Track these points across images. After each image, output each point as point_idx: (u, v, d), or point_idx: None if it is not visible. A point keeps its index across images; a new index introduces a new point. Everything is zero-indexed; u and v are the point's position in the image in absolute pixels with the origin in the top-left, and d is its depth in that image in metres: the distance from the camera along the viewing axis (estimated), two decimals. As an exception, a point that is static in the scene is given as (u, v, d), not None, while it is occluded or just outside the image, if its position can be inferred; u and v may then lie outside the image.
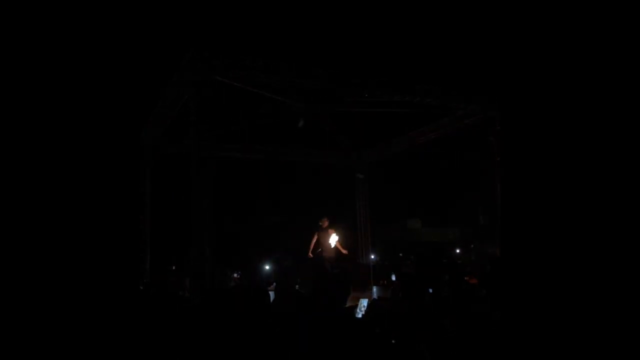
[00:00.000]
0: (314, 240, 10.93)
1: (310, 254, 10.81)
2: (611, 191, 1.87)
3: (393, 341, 3.48)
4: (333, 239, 10.64)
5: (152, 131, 10.07)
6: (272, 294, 4.06)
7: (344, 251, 10.80)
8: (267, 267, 13.08)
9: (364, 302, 4.67)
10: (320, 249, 10.84)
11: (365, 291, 10.69)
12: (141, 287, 5.89)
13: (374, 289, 11.59)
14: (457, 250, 19.53)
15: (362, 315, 4.54)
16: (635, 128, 1.86)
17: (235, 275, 12.96)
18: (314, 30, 9.74)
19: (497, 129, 8.86)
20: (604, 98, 1.92)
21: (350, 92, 8.54)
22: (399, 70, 8.65)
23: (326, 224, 10.72)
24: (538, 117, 2.14)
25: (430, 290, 5.08)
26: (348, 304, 4.13)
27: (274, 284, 10.32)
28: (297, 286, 10.64)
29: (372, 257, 14.04)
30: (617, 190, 1.87)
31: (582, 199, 1.91)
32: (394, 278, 12.30)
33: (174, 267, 11.37)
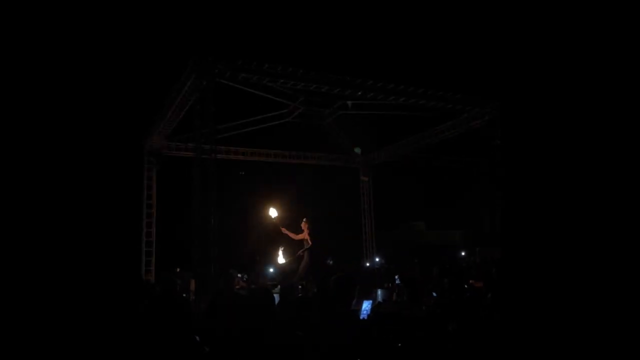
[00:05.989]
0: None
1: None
2: (614, 194, 1.88)
3: (397, 344, 3.49)
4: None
5: (157, 134, 10.14)
6: (276, 297, 4.08)
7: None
8: (271, 270, 13.07)
9: (366, 304, 4.67)
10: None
11: (369, 294, 10.63)
12: (146, 288, 5.92)
13: (379, 292, 11.56)
14: (462, 253, 19.44)
15: (366, 317, 4.54)
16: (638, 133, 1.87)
17: (239, 276, 12.97)
18: (320, 35, 9.77)
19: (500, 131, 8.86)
20: (608, 102, 1.93)
21: (354, 95, 8.57)
22: (402, 74, 8.67)
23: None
24: (541, 120, 2.14)
25: (434, 294, 5.08)
26: (353, 307, 4.14)
27: (279, 286, 10.31)
28: (300, 287, 10.68)
29: (377, 259, 14.03)
30: (620, 193, 1.88)
31: (586, 202, 1.92)
32: (398, 281, 12.26)
33: (178, 269, 11.39)
